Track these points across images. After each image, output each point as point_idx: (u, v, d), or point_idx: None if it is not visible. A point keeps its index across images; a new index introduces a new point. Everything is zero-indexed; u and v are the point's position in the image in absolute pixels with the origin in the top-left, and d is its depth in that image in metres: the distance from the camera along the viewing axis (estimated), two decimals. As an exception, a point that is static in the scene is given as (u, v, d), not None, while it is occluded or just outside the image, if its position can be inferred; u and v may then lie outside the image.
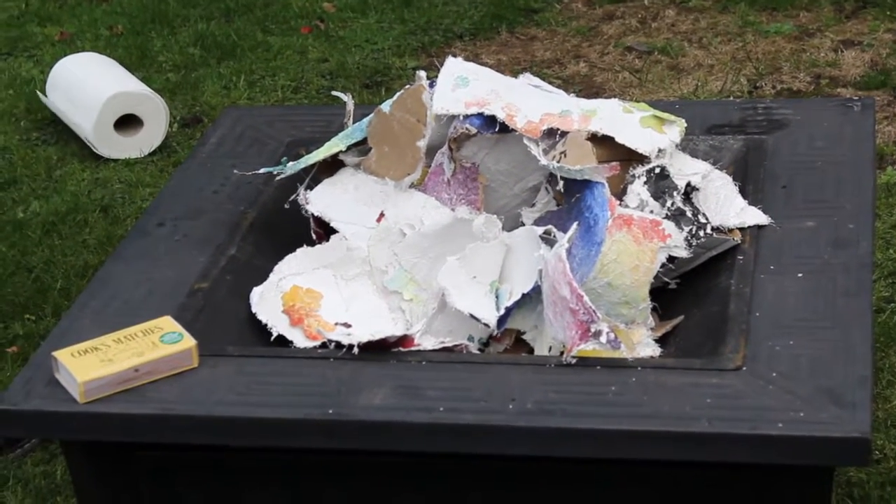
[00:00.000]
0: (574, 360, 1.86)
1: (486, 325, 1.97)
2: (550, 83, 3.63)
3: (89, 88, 3.49)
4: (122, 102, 3.43)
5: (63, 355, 1.91)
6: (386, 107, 2.18)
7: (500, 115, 2.09)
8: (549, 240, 1.99)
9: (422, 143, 2.15)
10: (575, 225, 1.95)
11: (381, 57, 3.86)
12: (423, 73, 2.18)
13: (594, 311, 1.84)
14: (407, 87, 2.19)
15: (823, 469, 1.82)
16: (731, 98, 3.46)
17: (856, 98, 2.46)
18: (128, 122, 3.46)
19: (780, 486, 1.81)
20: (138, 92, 3.46)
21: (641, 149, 2.07)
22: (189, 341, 1.90)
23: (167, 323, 1.93)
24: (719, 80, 3.58)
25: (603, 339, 1.84)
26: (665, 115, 2.12)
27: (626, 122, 2.09)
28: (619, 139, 2.07)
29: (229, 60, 3.88)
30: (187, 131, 3.56)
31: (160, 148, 3.48)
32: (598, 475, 1.86)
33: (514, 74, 3.68)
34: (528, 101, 2.14)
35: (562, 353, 1.89)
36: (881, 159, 3.24)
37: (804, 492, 1.81)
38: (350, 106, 2.30)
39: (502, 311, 1.95)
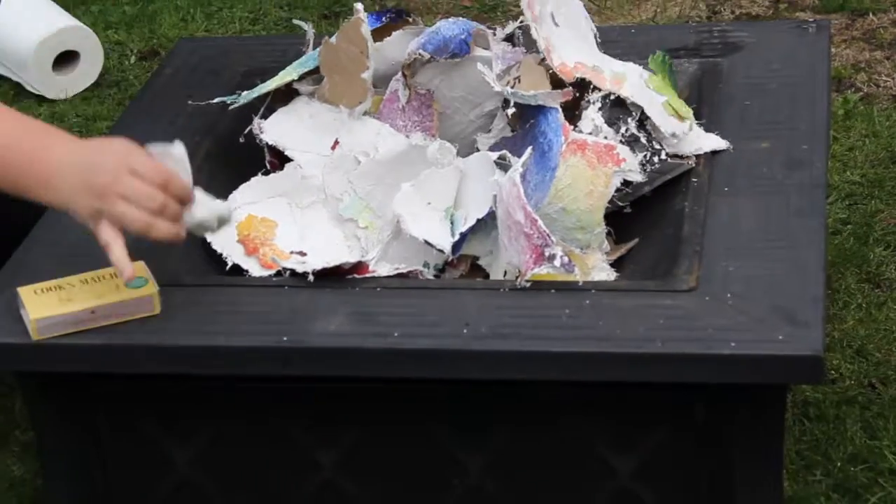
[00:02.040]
0: (528, 284, 1.86)
1: (440, 250, 1.97)
2: (509, 11, 3.63)
3: (16, 37, 3.41)
4: (53, 45, 3.38)
5: (26, 291, 1.91)
6: (333, 38, 2.17)
7: (541, 46, 2.08)
8: (503, 165, 1.99)
9: (366, 75, 2.14)
10: (529, 150, 1.95)
11: (338, -13, 3.83)
12: (360, 6, 2.16)
13: (548, 235, 1.84)
14: (348, 19, 2.18)
15: (777, 387, 1.83)
16: (689, 23, 3.45)
17: (811, 20, 2.46)
18: (64, 59, 3.41)
19: (734, 405, 1.83)
20: (68, 27, 3.40)
21: (667, 130, 2.07)
22: (152, 287, 1.89)
23: (139, 268, 1.90)
24: (678, 6, 3.57)
25: (557, 262, 1.84)
26: (680, 109, 2.11)
27: (652, 100, 2.10)
28: (648, 112, 2.07)
29: (186, -8, 3.85)
30: (144, 64, 3.54)
31: (117, 81, 3.45)
32: (553, 398, 1.87)
33: (474, 2, 3.68)
34: (565, 43, 2.13)
35: (517, 277, 1.89)
36: (839, 83, 3.24)
37: (758, 410, 1.82)
38: (310, 34, 2.29)
39: (457, 237, 1.95)
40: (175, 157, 1.88)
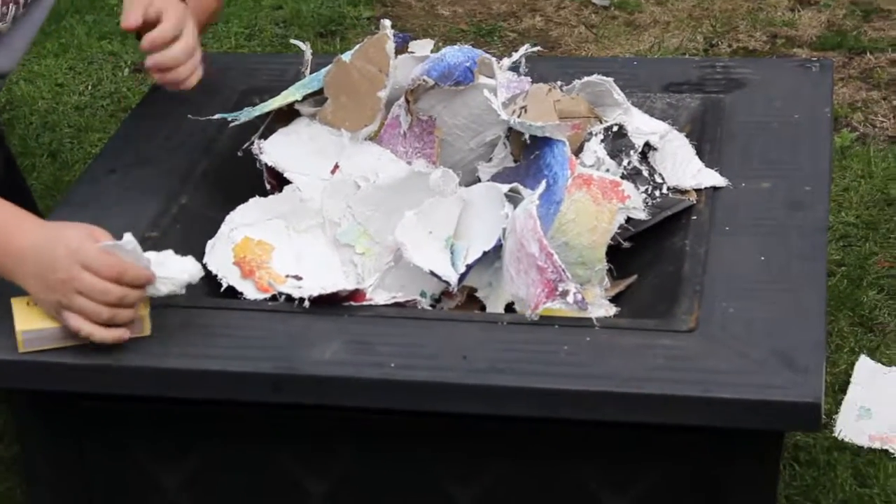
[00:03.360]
0: (537, 318, 1.85)
1: (446, 281, 1.95)
2: (505, 36, 3.63)
3: None
4: None
5: (18, 303, 1.88)
6: (346, 56, 2.15)
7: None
8: (511, 197, 1.97)
9: (382, 94, 2.12)
10: (544, 182, 1.93)
11: (335, 6, 3.82)
12: (387, 23, 2.15)
13: (563, 271, 1.83)
14: (369, 37, 2.16)
15: (774, 433, 1.81)
16: (688, 56, 3.45)
17: (814, 59, 2.45)
18: None
19: (730, 450, 1.81)
20: None
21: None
22: (143, 308, 1.87)
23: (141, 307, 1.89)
24: (676, 38, 3.57)
25: (570, 299, 1.82)
26: None
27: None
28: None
29: (182, 5, 3.82)
30: (139, 76, 3.51)
31: (110, 93, 3.43)
32: (548, 434, 1.85)
33: (470, 27, 3.67)
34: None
35: (511, 309, 1.87)
36: (835, 121, 3.24)
37: (754, 455, 1.81)
38: (308, 55, 2.27)
39: (463, 269, 1.93)
40: (126, 250, 1.87)
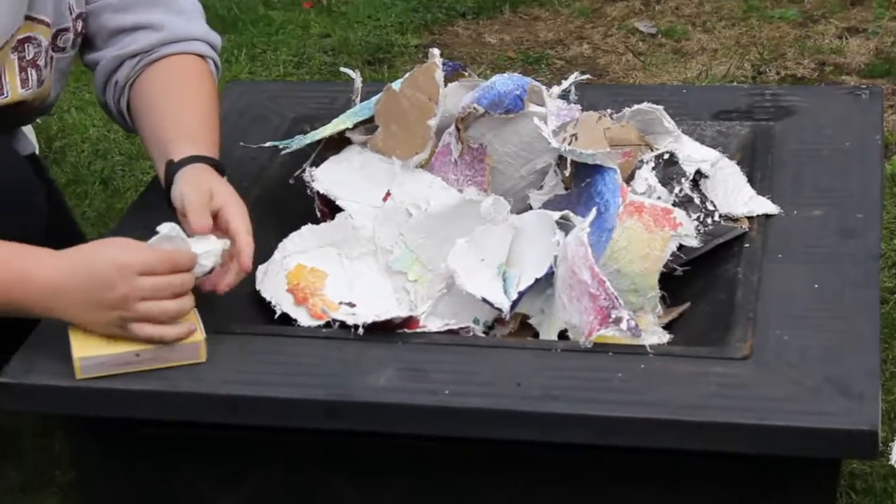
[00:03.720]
0: (591, 345, 1.85)
1: (498, 309, 1.95)
2: (553, 64, 3.63)
3: None
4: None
5: (75, 331, 1.90)
6: (396, 85, 2.17)
7: None
8: (562, 224, 1.98)
9: (432, 122, 2.13)
10: (594, 210, 1.94)
11: (383, 34, 3.84)
12: (436, 51, 2.17)
13: (616, 298, 1.83)
14: (419, 65, 2.17)
15: (830, 461, 1.81)
16: (735, 83, 3.45)
17: (864, 86, 2.45)
18: None
19: (785, 478, 1.81)
20: None
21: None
22: (199, 335, 1.88)
23: (189, 314, 1.90)
24: (723, 65, 3.56)
25: (623, 325, 1.83)
26: None
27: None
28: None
29: (231, 34, 3.85)
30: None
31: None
32: (603, 462, 1.85)
33: (518, 55, 3.68)
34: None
35: (564, 336, 1.87)
36: (886, 148, 3.22)
37: (810, 484, 1.80)
38: (358, 83, 2.28)
39: (515, 296, 1.94)
40: (171, 237, 1.89)
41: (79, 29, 2.21)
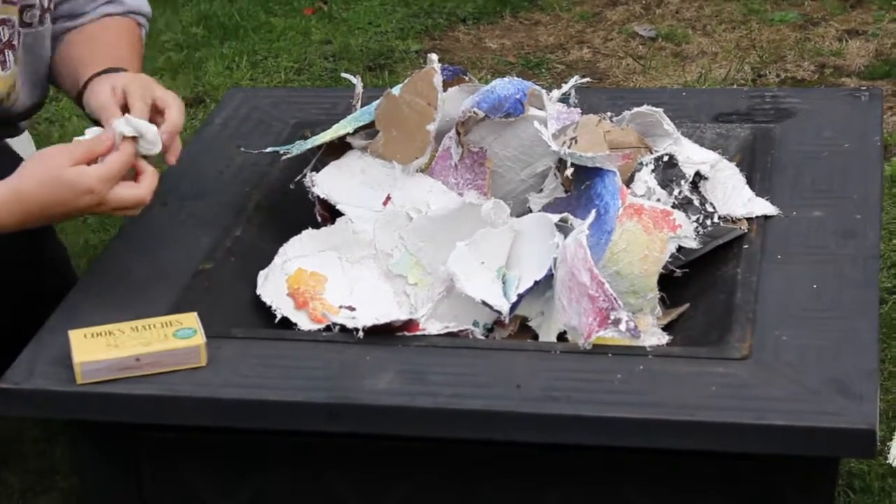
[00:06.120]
0: (590, 346, 1.85)
1: (498, 311, 1.96)
2: (553, 68, 3.64)
3: None
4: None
5: (76, 335, 1.91)
6: (396, 90, 2.17)
7: None
8: (562, 227, 1.98)
9: (431, 127, 2.14)
10: (594, 212, 1.95)
11: (384, 39, 3.85)
12: (434, 56, 2.17)
13: (615, 299, 1.84)
14: (417, 70, 2.18)
15: (829, 460, 1.81)
16: (736, 86, 3.45)
17: (864, 88, 2.45)
18: None
19: (784, 477, 1.81)
20: None
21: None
22: (199, 339, 1.89)
23: (190, 319, 1.91)
24: (723, 68, 3.57)
25: (622, 327, 1.83)
26: None
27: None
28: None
29: (232, 41, 3.87)
30: (190, 111, 3.55)
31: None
32: (602, 463, 1.86)
33: (518, 59, 3.69)
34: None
35: (564, 338, 1.87)
36: (885, 150, 3.23)
37: (809, 482, 1.81)
38: (359, 88, 2.29)
39: (514, 298, 1.94)
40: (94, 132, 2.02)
41: (45, 4, 2.22)
